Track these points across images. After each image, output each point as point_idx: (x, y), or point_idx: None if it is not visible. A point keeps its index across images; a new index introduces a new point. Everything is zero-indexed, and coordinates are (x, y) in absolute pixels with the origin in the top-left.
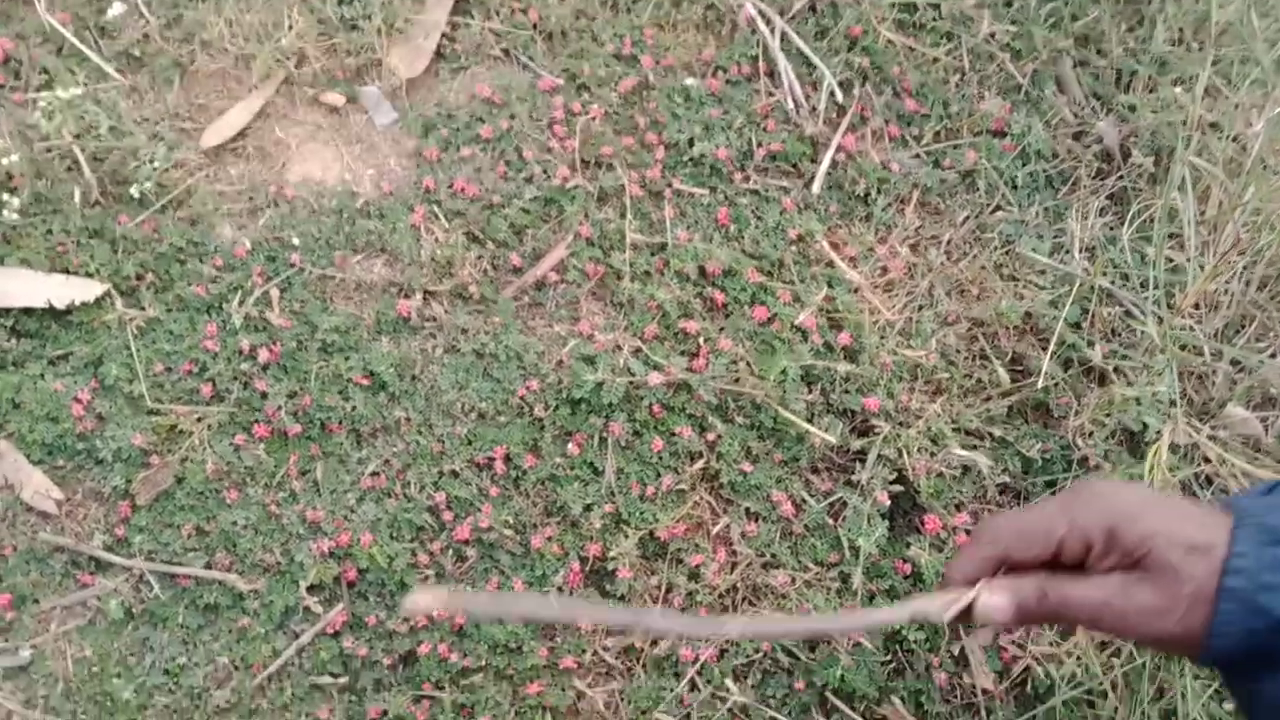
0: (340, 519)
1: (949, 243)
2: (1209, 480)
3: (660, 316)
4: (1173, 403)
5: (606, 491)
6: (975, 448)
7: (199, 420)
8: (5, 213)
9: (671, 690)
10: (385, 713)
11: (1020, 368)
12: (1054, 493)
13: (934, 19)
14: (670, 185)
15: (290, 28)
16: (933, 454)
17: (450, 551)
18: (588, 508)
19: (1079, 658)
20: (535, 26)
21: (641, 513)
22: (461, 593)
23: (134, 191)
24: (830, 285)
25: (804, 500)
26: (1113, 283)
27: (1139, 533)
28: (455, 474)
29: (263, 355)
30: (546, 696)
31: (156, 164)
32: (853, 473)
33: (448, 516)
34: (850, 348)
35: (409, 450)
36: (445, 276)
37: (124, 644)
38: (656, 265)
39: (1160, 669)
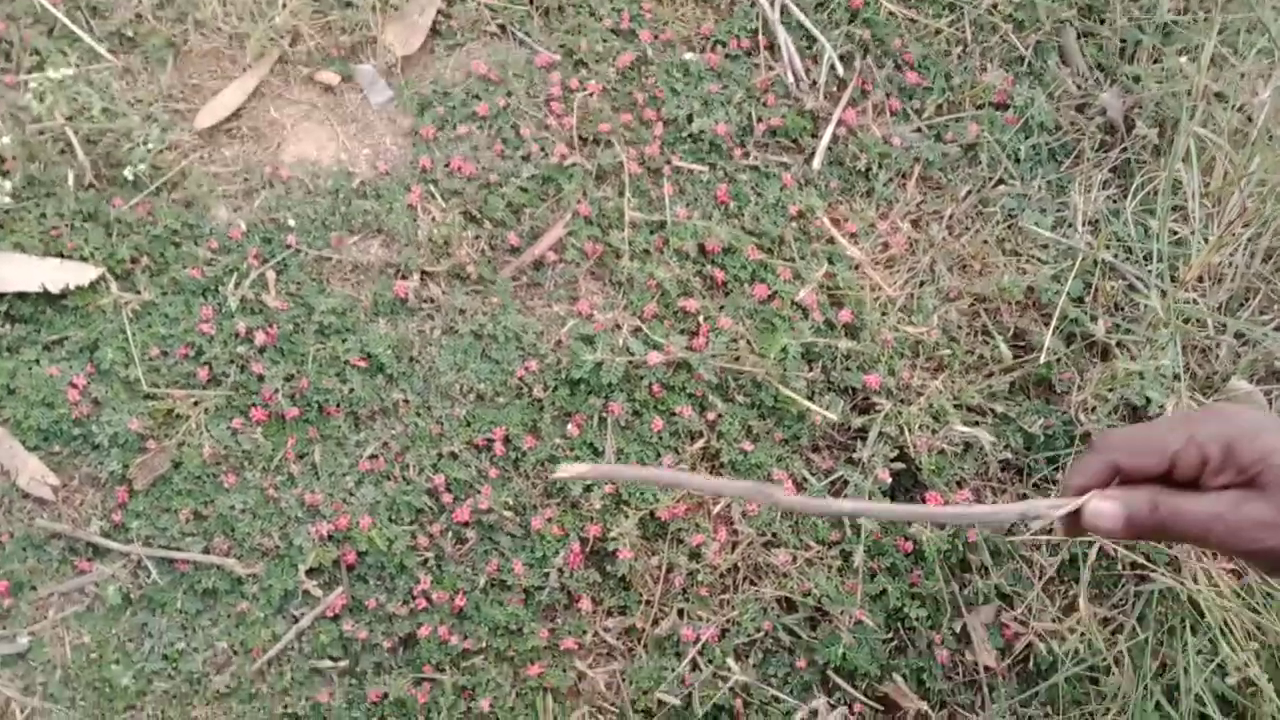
0: (339, 502)
1: (951, 218)
2: None
3: (659, 295)
4: (1176, 377)
5: None
6: (977, 424)
7: (195, 404)
8: None
9: (673, 670)
10: (386, 696)
11: (1022, 343)
12: (1058, 469)
13: None
14: (669, 162)
15: (284, 6)
16: (934, 431)
17: (450, 534)
18: (588, 489)
19: (1082, 634)
20: (531, 2)
21: (642, 493)
22: (607, 465)
23: (128, 174)
24: (831, 262)
25: (805, 479)
26: (1116, 256)
27: (1257, 449)
28: (454, 456)
29: (259, 338)
30: (547, 678)
31: (150, 146)
32: (854, 450)
33: (447, 498)
34: (851, 325)
35: (407, 432)
36: (442, 257)
37: (122, 630)
38: (656, 243)
39: (1163, 645)
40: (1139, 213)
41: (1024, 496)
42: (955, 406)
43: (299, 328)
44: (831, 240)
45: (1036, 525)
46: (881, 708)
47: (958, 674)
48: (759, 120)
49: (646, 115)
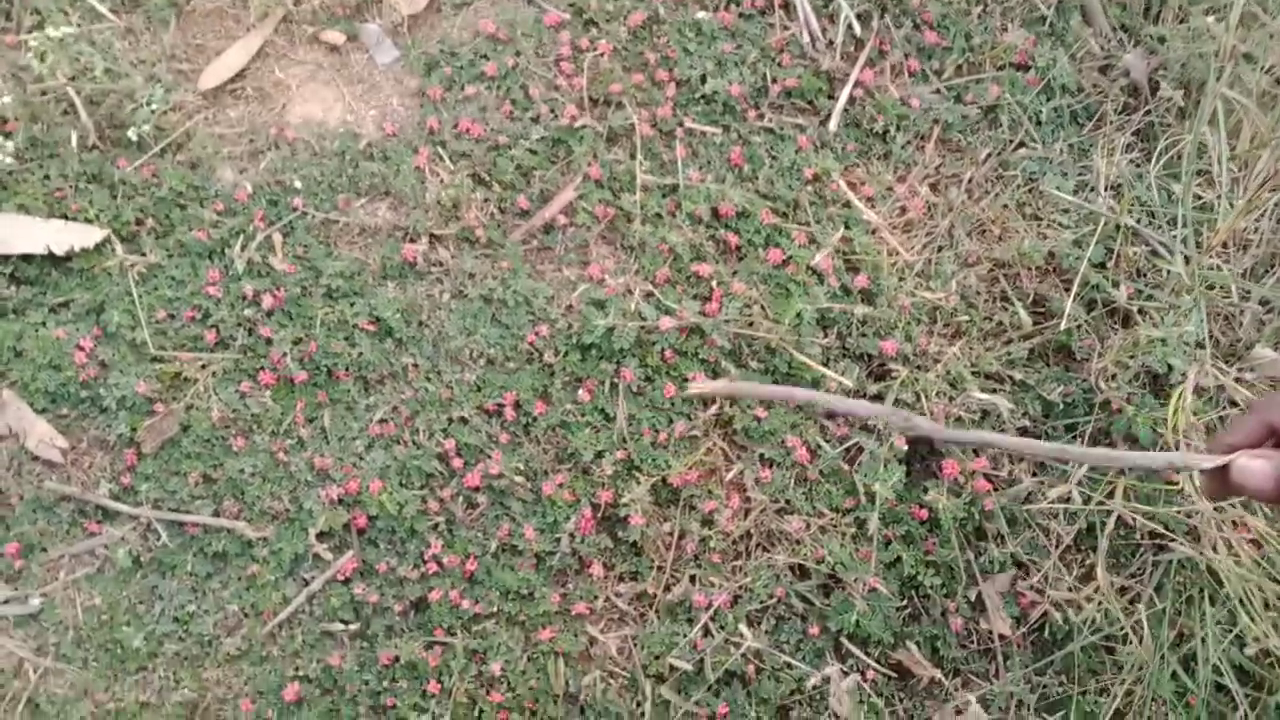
0: (349, 466)
1: (970, 181)
2: None
3: (672, 260)
4: (1199, 344)
5: (618, 438)
6: (995, 391)
7: (203, 367)
8: (1, 157)
9: (685, 636)
10: (397, 659)
11: (1042, 309)
12: (1076, 437)
13: None
14: (682, 124)
15: None
16: (951, 398)
17: (460, 498)
18: (599, 454)
19: (1099, 603)
20: None
21: (654, 459)
22: (739, 382)
23: (132, 135)
24: (847, 226)
25: (819, 446)
26: (1139, 221)
27: None
28: (464, 421)
29: (266, 301)
30: (559, 642)
31: (154, 106)
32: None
33: (457, 463)
34: (867, 290)
35: (417, 397)
36: (451, 220)
37: (133, 592)
38: (668, 207)
39: (1181, 614)
40: (1163, 177)
41: (1041, 465)
42: (973, 373)
43: (306, 291)
44: (848, 204)
45: (1182, 475)
46: (895, 675)
47: (972, 642)
48: (774, 81)
49: (658, 76)
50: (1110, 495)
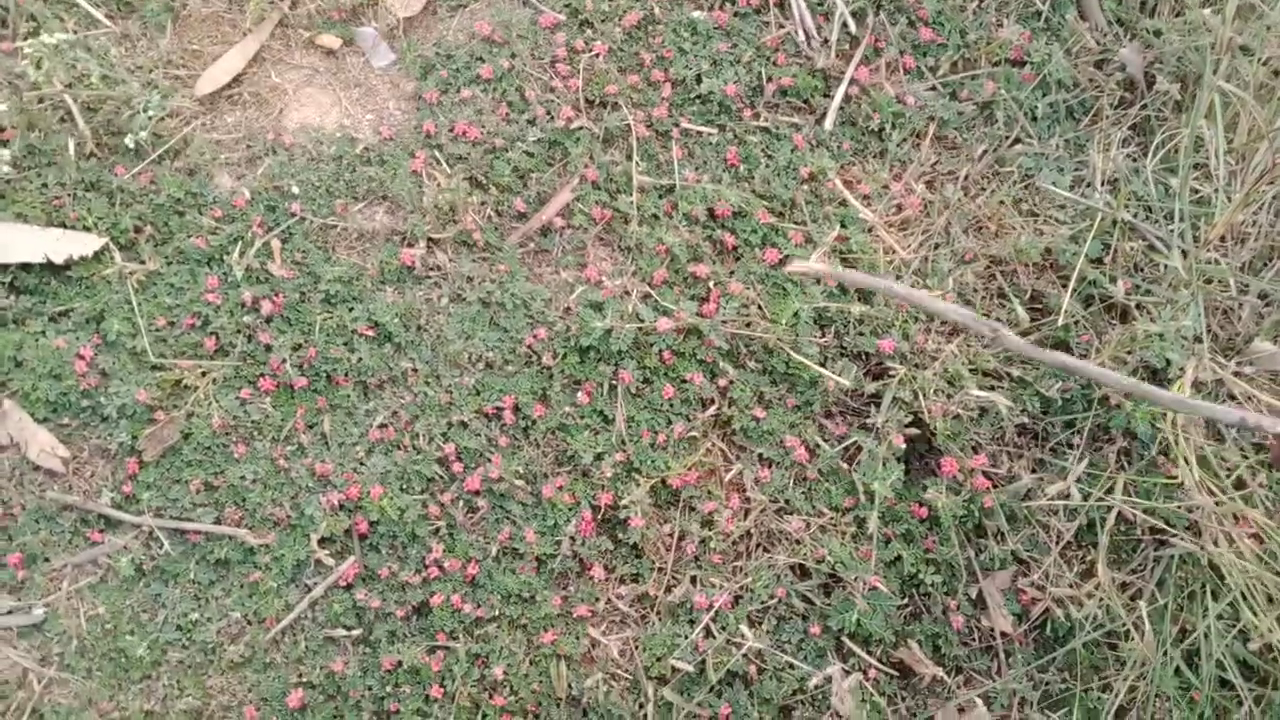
0: (349, 471)
1: (966, 178)
2: None
3: (669, 261)
4: (1198, 338)
5: (617, 440)
6: (993, 388)
7: (203, 375)
8: None
9: (686, 637)
10: (400, 664)
11: (1039, 306)
12: (1075, 433)
13: None
14: (678, 124)
15: None
16: (949, 396)
17: (461, 502)
18: (599, 456)
19: (1101, 599)
20: None
21: (653, 460)
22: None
23: (129, 142)
24: (843, 225)
25: (818, 445)
26: (1136, 216)
27: None
28: (464, 424)
29: (265, 307)
30: (561, 645)
31: (151, 113)
32: (867, 416)
33: (457, 467)
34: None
35: (417, 401)
36: (448, 223)
37: (136, 601)
38: (664, 208)
39: (1183, 610)
40: (1160, 171)
41: (1041, 462)
42: (971, 370)
43: (305, 297)
44: (844, 202)
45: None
46: (897, 673)
47: (974, 640)
48: (769, 80)
49: (654, 76)
50: (1110, 491)
